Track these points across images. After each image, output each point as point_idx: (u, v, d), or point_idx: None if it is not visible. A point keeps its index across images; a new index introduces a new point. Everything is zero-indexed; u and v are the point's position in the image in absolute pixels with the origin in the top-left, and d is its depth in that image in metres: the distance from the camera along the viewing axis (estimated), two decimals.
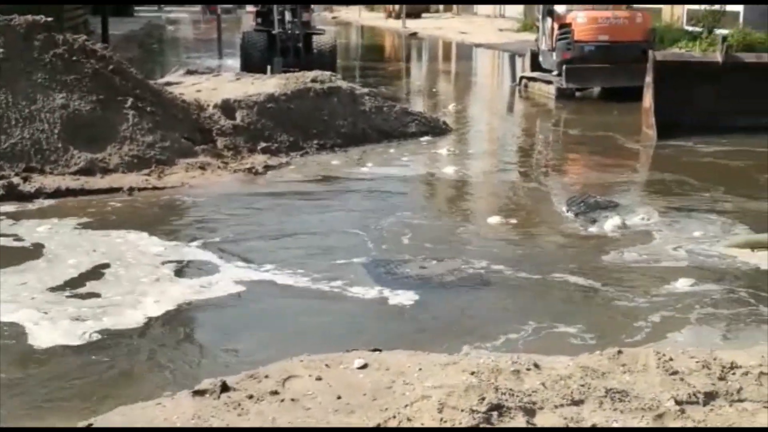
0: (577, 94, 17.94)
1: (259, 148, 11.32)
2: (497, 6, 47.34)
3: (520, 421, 4.03)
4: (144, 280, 6.68)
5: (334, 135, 12.29)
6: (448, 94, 19.84)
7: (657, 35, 20.37)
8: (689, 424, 4.05)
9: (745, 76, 13.15)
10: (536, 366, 4.62)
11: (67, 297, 6.30)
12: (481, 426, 3.98)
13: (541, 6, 19.35)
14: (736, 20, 24.65)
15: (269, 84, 12.95)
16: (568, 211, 8.73)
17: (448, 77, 24.57)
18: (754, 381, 4.45)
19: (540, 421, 4.07)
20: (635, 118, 13.75)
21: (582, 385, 4.34)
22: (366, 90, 13.85)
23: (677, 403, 4.19)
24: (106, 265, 6.99)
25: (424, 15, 50.53)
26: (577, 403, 4.21)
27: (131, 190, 9.38)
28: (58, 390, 4.96)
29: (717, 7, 24.81)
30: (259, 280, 6.79)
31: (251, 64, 18.85)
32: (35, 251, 7.33)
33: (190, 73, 14.88)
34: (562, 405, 4.19)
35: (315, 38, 20.78)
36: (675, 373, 4.50)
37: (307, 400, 4.35)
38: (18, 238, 7.71)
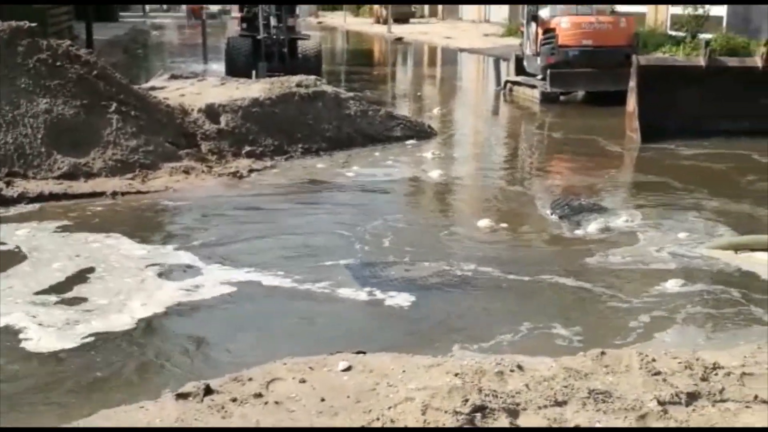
0: (562, 98, 18.01)
1: (243, 152, 11.31)
2: (482, 11, 47.49)
3: (503, 423, 4.04)
4: (129, 283, 6.66)
5: (319, 139, 12.29)
6: (433, 99, 19.88)
7: (641, 40, 20.49)
8: (672, 425, 4.06)
9: (728, 80, 13.22)
10: (520, 367, 4.63)
11: (55, 302, 6.27)
12: (465, 427, 3.99)
13: (525, 11, 19.42)
14: (719, 25, 24.79)
15: (254, 88, 12.94)
16: (552, 214, 8.75)
17: (433, 82, 24.62)
18: (737, 381, 4.48)
19: (523, 422, 4.08)
20: (619, 121, 13.80)
21: (565, 386, 4.36)
22: (351, 94, 13.87)
23: (660, 403, 4.21)
24: (91, 269, 6.96)
25: (411, 20, 50.65)
26: (560, 404, 4.22)
27: (115, 194, 9.35)
28: (44, 393, 4.94)
29: (700, 11, 24.95)
30: (244, 281, 6.78)
31: (236, 69, 18.83)
32: (19, 256, 7.29)
33: (174, 77, 14.85)
34: (545, 406, 4.20)
35: (300, 43, 20.79)
36: (658, 373, 4.52)
37: (291, 402, 4.35)
38: (1, 242, 7.67)
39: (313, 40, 21.56)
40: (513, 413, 4.13)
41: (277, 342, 5.66)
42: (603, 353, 4.78)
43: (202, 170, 10.46)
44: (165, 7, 71.24)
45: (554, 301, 6.47)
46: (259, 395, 4.42)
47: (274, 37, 20.05)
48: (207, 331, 5.87)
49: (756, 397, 4.30)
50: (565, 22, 17.57)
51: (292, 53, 20.29)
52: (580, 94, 18.33)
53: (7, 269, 6.93)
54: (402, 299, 6.40)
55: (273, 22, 20.23)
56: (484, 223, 8.43)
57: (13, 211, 8.72)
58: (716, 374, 4.54)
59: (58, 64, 10.63)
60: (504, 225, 8.40)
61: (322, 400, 4.36)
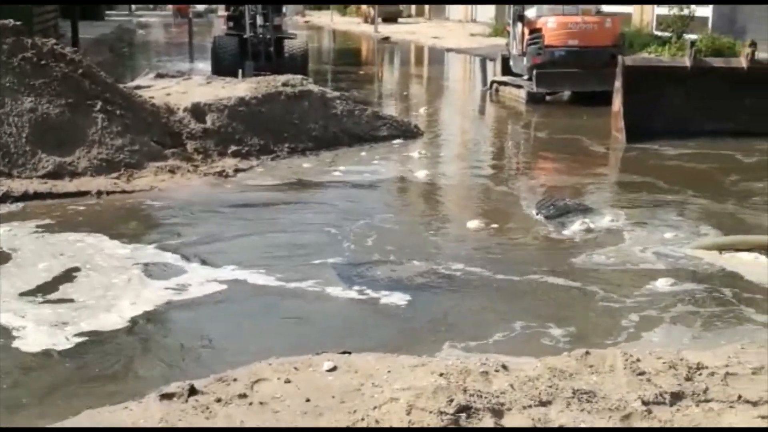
0: (548, 98, 18.03)
1: (229, 151, 11.28)
2: (469, 11, 47.55)
3: (488, 423, 4.05)
4: (116, 283, 6.64)
5: (305, 138, 12.27)
6: (420, 98, 19.89)
7: (626, 40, 20.57)
8: (656, 425, 4.08)
9: (713, 80, 13.28)
10: (505, 367, 4.64)
11: (43, 301, 6.24)
12: (450, 427, 3.99)
13: (511, 11, 19.44)
14: (704, 25, 24.92)
15: (240, 88, 12.92)
16: (538, 213, 8.77)
17: (419, 81, 24.63)
18: (720, 381, 4.50)
19: (508, 422, 4.09)
20: (605, 121, 13.83)
21: (550, 386, 4.37)
22: (337, 94, 13.87)
23: (644, 403, 4.23)
24: (77, 269, 6.93)
25: (399, 20, 50.70)
26: (544, 404, 4.23)
27: (100, 193, 9.32)
28: (35, 393, 4.90)
29: (686, 12, 25.06)
30: (230, 280, 6.77)
31: (222, 68, 18.77)
32: (3, 255, 7.25)
33: (160, 76, 14.82)
34: (530, 406, 4.21)
35: (287, 42, 20.75)
36: (642, 373, 4.53)
37: (276, 403, 4.35)
38: None
39: (300, 40, 21.53)
40: (498, 413, 4.14)
41: (265, 341, 5.65)
42: (587, 353, 4.80)
43: (187, 170, 10.43)
44: (152, 6, 71.05)
45: (544, 301, 6.47)
46: (243, 396, 4.42)
47: (261, 36, 20.04)
48: (196, 331, 5.86)
49: (739, 397, 4.32)
50: (551, 23, 17.60)
51: (279, 52, 20.27)
52: (566, 94, 18.37)
53: None
54: (389, 299, 6.39)
55: (259, 21, 20.22)
56: (474, 224, 8.42)
57: None
58: (700, 374, 4.56)
59: (43, 62, 10.59)
60: (493, 225, 8.39)
61: (307, 400, 4.36)
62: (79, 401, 4.70)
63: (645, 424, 4.08)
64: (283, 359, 4.90)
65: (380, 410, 4.17)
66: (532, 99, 17.56)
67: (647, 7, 27.87)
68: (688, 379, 4.51)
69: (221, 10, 25.92)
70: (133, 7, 63.32)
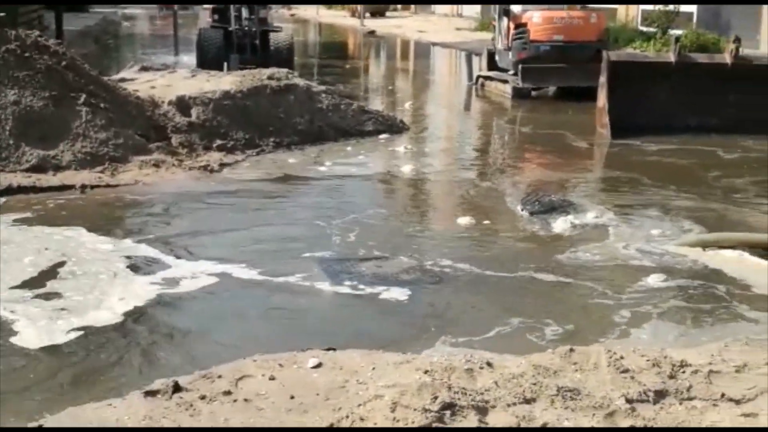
0: (533, 93, 18.04)
1: (214, 145, 11.24)
2: (455, 5, 47.50)
3: (472, 420, 4.05)
4: (103, 278, 6.61)
5: (290, 133, 12.24)
6: (406, 93, 19.88)
7: (612, 35, 20.61)
8: (639, 423, 4.09)
9: (698, 76, 13.32)
10: (489, 364, 4.64)
11: (32, 297, 6.20)
12: (434, 425, 3.99)
13: (497, 6, 19.44)
14: (689, 21, 24.98)
15: (225, 81, 12.87)
16: (522, 209, 8.78)
17: (405, 76, 24.61)
18: (704, 379, 4.51)
19: (492, 419, 4.09)
20: (590, 117, 13.87)
21: (534, 384, 4.37)
22: (323, 88, 13.85)
23: (628, 401, 4.24)
24: (63, 264, 6.89)
25: (387, 14, 50.66)
26: (529, 401, 4.24)
27: (84, 187, 9.27)
28: (25, 389, 4.88)
29: (671, 7, 25.12)
30: (216, 274, 6.77)
31: (207, 61, 18.71)
32: None
33: (144, 69, 14.72)
34: (514, 403, 4.21)
35: (272, 35, 20.69)
36: (626, 371, 4.54)
37: (260, 400, 4.34)
38: None
39: (286, 33, 21.47)
40: (482, 411, 4.14)
41: (252, 336, 5.68)
42: (571, 350, 4.80)
43: (172, 164, 10.39)
44: None
45: (531, 297, 6.48)
46: (228, 393, 4.41)
47: (246, 28, 19.96)
48: (183, 326, 5.86)
49: (723, 395, 4.34)
50: (536, 17, 17.61)
51: (264, 45, 20.20)
52: (552, 89, 18.38)
53: None
54: (374, 294, 6.40)
55: (245, 13, 20.14)
56: (461, 220, 8.41)
57: None
58: (684, 372, 4.57)
59: (27, 54, 10.52)
60: (480, 222, 8.39)
61: (292, 397, 4.35)
62: (63, 397, 4.69)
63: (629, 422, 4.09)
64: (267, 356, 4.89)
65: (365, 407, 4.17)
66: (518, 94, 17.57)
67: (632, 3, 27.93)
68: (671, 376, 4.53)
69: (207, 3, 25.82)
70: None
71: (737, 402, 4.29)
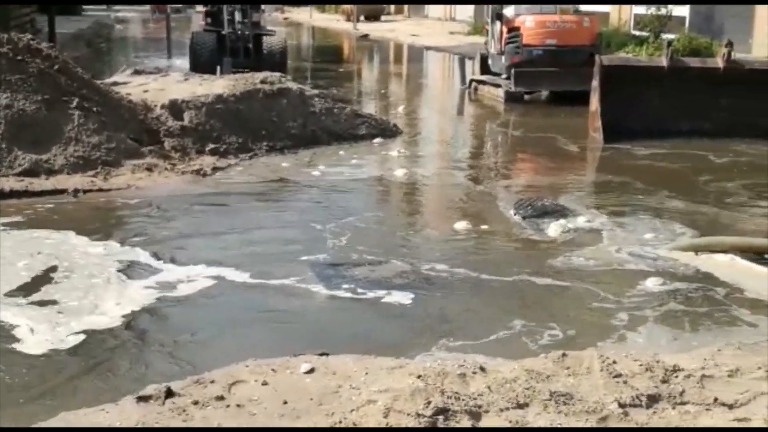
0: (526, 97, 18.08)
1: (207, 149, 11.23)
2: (448, 9, 47.58)
3: (465, 425, 4.05)
4: (97, 282, 6.60)
5: (283, 136, 12.24)
6: (399, 97, 19.89)
7: (604, 39, 20.63)
8: (632, 427, 4.09)
9: (690, 80, 13.34)
10: (482, 369, 4.64)
11: (27, 303, 6.18)
12: (427, 429, 3.99)
13: (490, 10, 19.47)
14: (682, 25, 25.06)
15: (218, 85, 12.86)
16: (515, 214, 8.78)
17: (398, 79, 24.62)
18: (696, 384, 4.52)
19: (485, 424, 4.09)
20: (582, 121, 13.88)
21: (527, 388, 4.37)
22: (316, 91, 13.86)
23: (621, 405, 4.24)
24: (56, 268, 6.88)
25: (382, 18, 50.69)
26: (522, 406, 4.24)
27: (76, 191, 9.25)
28: (19, 394, 4.87)
29: (663, 12, 25.19)
30: (210, 277, 6.78)
31: (200, 65, 18.72)
32: None
33: (137, 73, 14.74)
34: (507, 408, 4.22)
35: (265, 39, 20.71)
36: (618, 376, 4.55)
37: (253, 405, 4.34)
38: None
39: (279, 36, 21.50)
40: (475, 415, 4.14)
41: (246, 340, 5.66)
42: (564, 355, 4.81)
43: (165, 168, 10.37)
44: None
45: (525, 301, 6.48)
46: (221, 398, 4.40)
47: (239, 32, 19.98)
48: (178, 331, 5.85)
49: (715, 399, 4.34)
50: (529, 21, 17.64)
51: (257, 49, 20.22)
52: (545, 93, 18.42)
53: None
54: (367, 299, 6.40)
55: (238, 17, 20.16)
56: (458, 224, 8.40)
57: None
58: (676, 376, 4.58)
59: (19, 58, 10.51)
60: (472, 226, 8.38)
61: (285, 402, 4.35)
62: (55, 402, 4.68)
63: (621, 426, 4.09)
64: (260, 361, 4.88)
65: (358, 412, 4.17)
66: (511, 98, 17.59)
67: (625, 7, 28.00)
68: (664, 381, 4.53)
69: (199, 6, 25.83)
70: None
71: (730, 407, 4.30)
